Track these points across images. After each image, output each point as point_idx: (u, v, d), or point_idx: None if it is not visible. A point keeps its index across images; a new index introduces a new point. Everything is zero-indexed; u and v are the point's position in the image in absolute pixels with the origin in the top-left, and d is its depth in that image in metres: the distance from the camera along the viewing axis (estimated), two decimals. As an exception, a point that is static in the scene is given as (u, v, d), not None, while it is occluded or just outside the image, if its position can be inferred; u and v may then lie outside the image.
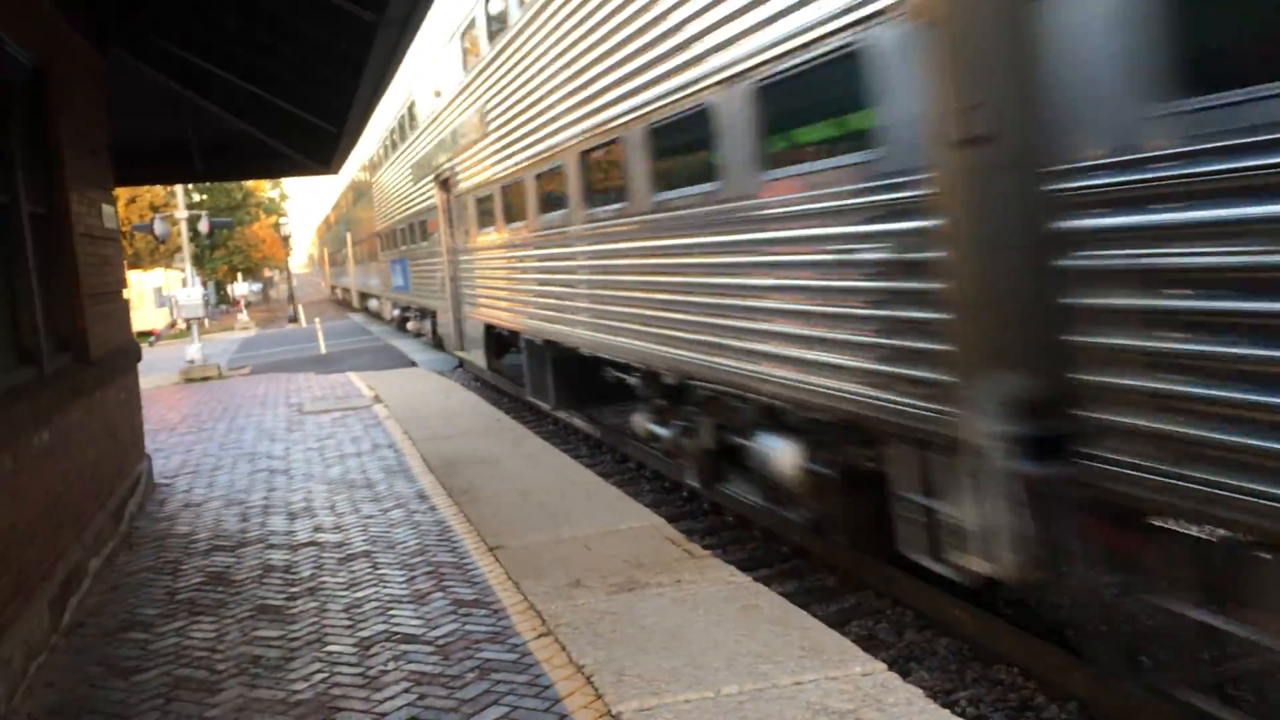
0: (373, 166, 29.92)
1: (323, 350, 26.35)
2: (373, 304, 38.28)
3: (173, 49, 8.88)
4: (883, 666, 4.37)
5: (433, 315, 21.30)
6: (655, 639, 4.78)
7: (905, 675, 5.11)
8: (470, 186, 14.53)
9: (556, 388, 11.79)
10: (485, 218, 13.80)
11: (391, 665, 4.74)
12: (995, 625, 5.70)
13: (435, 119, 17.23)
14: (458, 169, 15.30)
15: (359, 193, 36.37)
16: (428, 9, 5.16)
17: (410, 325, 27.47)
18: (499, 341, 15.01)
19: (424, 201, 19.58)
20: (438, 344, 21.52)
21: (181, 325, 29.56)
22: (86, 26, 7.87)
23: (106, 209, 8.34)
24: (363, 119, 8.77)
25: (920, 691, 4.15)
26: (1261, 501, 3.35)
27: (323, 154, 11.80)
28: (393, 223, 25.57)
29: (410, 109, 20.62)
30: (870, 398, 5.16)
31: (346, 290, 51.99)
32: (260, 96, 9.20)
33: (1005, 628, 5.64)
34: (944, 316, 4.51)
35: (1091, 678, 4.87)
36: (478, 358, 15.95)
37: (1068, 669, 5.10)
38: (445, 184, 16.66)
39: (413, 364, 21.17)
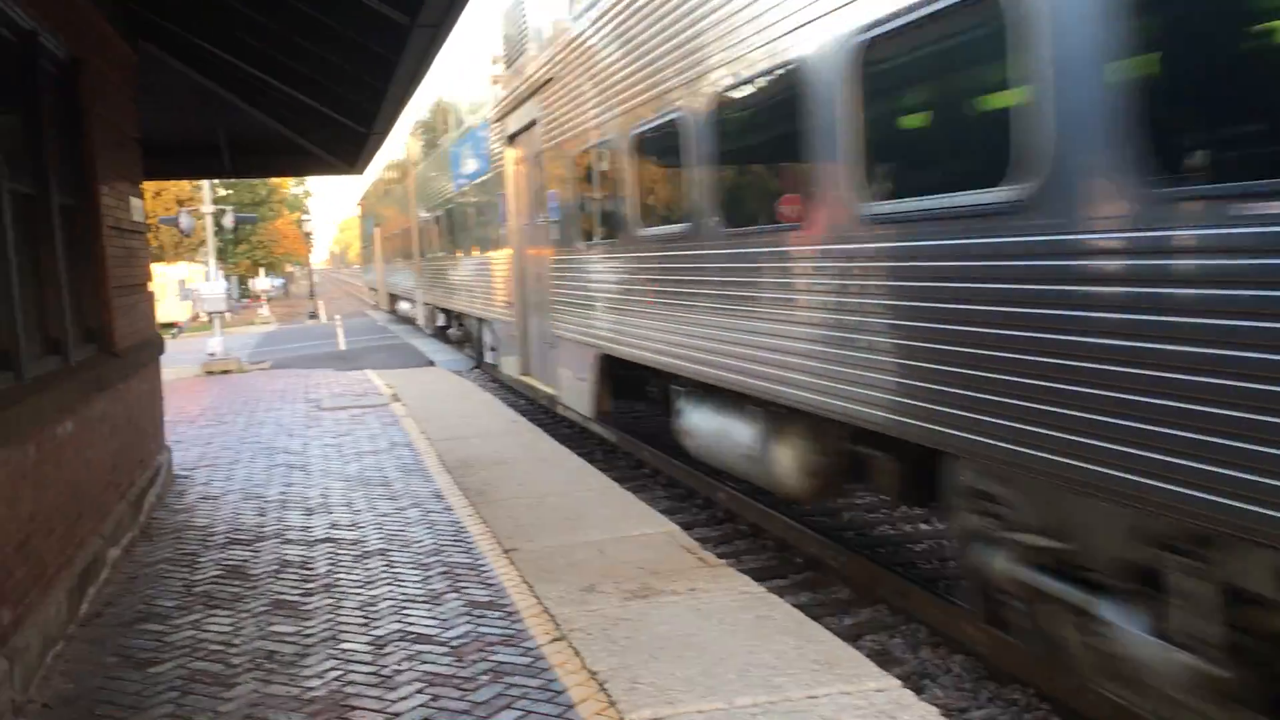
0: None
1: (342, 347, 26.48)
2: None
3: (204, 45, 8.94)
4: (897, 683, 4.35)
5: None
6: (669, 647, 4.77)
7: (919, 692, 5.09)
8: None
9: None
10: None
11: (405, 665, 4.75)
12: (1010, 644, 5.67)
13: None
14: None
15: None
16: (460, 13, 5.17)
17: None
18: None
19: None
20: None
21: (204, 318, 29.64)
22: (119, 20, 7.94)
23: (135, 202, 8.41)
24: (391, 120, 8.80)
25: (935, 710, 4.12)
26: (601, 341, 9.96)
27: (350, 154, 11.86)
28: None
29: None
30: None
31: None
32: (291, 95, 9.24)
33: (1020, 647, 5.60)
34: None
35: (1107, 699, 4.83)
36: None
37: (1082, 691, 5.06)
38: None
39: (430, 363, 21.24)
